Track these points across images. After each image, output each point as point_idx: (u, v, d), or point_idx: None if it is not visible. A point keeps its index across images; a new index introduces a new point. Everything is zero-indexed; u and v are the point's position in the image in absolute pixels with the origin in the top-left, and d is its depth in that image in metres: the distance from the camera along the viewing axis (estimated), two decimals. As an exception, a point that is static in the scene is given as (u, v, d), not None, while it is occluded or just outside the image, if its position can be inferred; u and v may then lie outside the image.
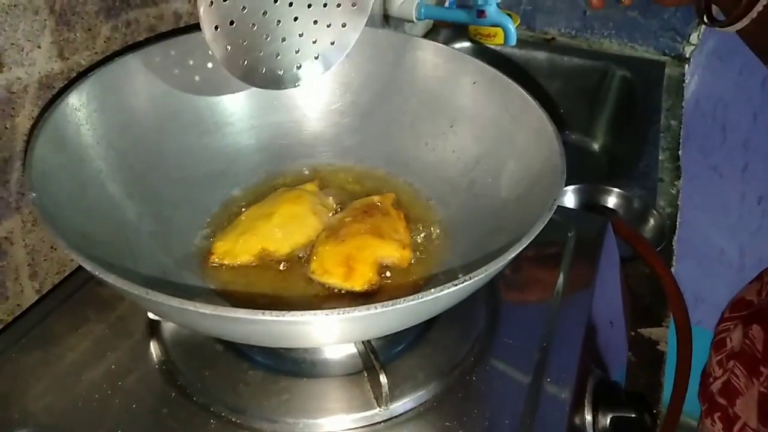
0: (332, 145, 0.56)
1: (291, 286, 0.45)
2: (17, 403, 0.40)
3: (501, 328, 0.47)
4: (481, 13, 0.87)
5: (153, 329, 0.45)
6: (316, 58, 0.49)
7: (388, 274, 0.46)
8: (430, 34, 1.15)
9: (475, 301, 0.48)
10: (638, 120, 1.01)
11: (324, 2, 0.47)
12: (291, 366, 0.43)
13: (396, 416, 0.40)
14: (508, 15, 0.89)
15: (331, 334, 0.34)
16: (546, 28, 1.21)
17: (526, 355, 0.45)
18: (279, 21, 0.45)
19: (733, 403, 0.69)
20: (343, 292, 0.45)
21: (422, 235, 0.50)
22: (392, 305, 0.30)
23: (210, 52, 0.43)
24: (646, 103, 1.03)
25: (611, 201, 0.79)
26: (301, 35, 0.47)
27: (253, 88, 0.50)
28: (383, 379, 0.39)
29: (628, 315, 0.65)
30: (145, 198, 0.46)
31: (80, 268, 0.50)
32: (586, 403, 0.45)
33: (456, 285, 0.32)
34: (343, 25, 0.48)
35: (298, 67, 0.48)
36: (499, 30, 1.00)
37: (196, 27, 0.50)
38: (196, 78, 0.51)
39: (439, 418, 0.40)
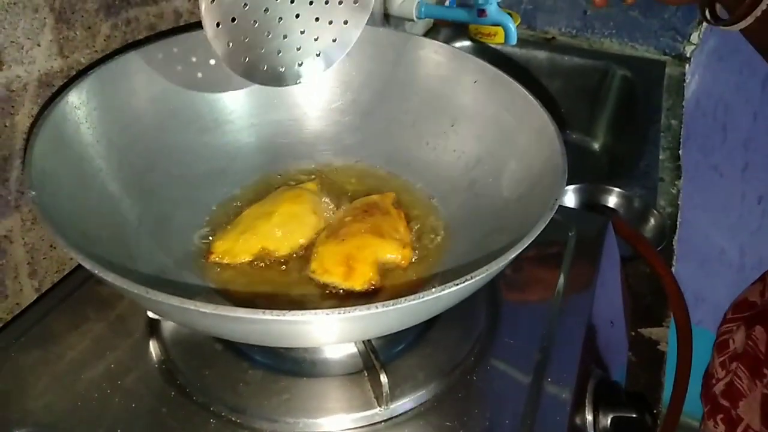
0: (333, 144, 0.56)
1: (291, 286, 0.45)
2: (16, 402, 0.40)
3: (501, 327, 0.47)
4: (481, 12, 0.87)
5: (152, 328, 0.44)
6: (318, 55, 0.49)
7: (388, 273, 0.46)
8: (430, 33, 1.15)
9: (476, 300, 0.48)
10: (639, 119, 1.01)
11: (325, -1, 0.47)
12: (291, 365, 0.43)
13: (396, 416, 0.40)
14: (509, 14, 0.89)
15: (331, 334, 0.34)
16: (546, 27, 1.21)
17: (527, 355, 0.45)
18: (280, 18, 0.45)
19: (736, 405, 0.69)
20: (343, 291, 0.44)
21: (423, 235, 0.49)
22: (393, 305, 0.30)
23: (212, 50, 0.43)
24: (647, 103, 1.03)
25: (612, 200, 0.79)
26: (302, 32, 0.47)
27: (254, 86, 0.50)
28: (384, 378, 0.38)
29: (628, 315, 0.65)
30: (144, 196, 0.46)
31: (79, 266, 0.50)
32: (586, 403, 0.45)
33: (457, 284, 0.31)
34: (345, 22, 0.48)
35: (300, 65, 0.48)
36: (499, 29, 1.00)
37: (196, 25, 0.50)
38: (199, 75, 0.51)
39: (439, 418, 0.40)
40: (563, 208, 0.60)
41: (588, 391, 0.46)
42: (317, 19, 0.47)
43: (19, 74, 0.44)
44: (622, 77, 1.10)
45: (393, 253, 0.46)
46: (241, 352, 0.43)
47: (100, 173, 0.44)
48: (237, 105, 0.54)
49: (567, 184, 0.45)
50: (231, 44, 0.43)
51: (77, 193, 0.41)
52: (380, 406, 0.40)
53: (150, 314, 0.44)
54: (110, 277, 0.31)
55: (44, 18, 0.44)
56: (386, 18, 0.92)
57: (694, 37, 1.11)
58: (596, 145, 1.13)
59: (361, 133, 0.56)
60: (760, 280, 0.74)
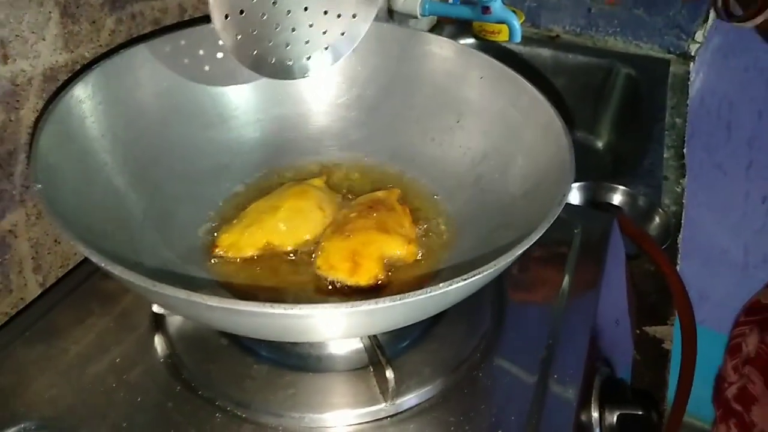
0: (338, 140, 0.56)
1: (296, 281, 0.45)
2: (21, 396, 0.40)
3: (507, 325, 0.47)
4: (486, 9, 0.87)
5: (157, 323, 0.44)
6: (326, 48, 0.49)
7: (393, 269, 0.46)
8: (434, 31, 1.14)
9: (482, 297, 0.47)
10: (643, 118, 1.00)
11: (334, -7, 0.47)
12: (296, 360, 0.43)
13: (402, 411, 0.40)
14: (513, 12, 0.89)
15: (338, 328, 0.34)
16: (551, 25, 1.20)
17: (533, 353, 0.45)
18: (289, 11, 0.45)
19: (749, 409, 0.68)
20: (348, 287, 0.44)
21: (428, 231, 0.49)
22: (401, 299, 0.30)
23: (220, 42, 0.42)
24: (651, 101, 1.02)
25: (616, 199, 0.78)
26: (311, 25, 0.47)
27: (259, 81, 0.49)
28: (389, 374, 0.38)
29: (633, 313, 0.64)
30: (149, 191, 0.46)
31: (84, 261, 0.51)
32: (592, 401, 0.45)
33: (465, 279, 0.31)
34: (354, 16, 0.48)
35: (308, 58, 0.48)
36: (503, 27, 0.99)
37: (201, 20, 0.50)
38: (206, 68, 0.51)
39: (445, 414, 0.40)
40: (568, 206, 0.60)
41: (594, 388, 0.45)
42: (326, 13, 0.47)
43: (24, 68, 0.43)
44: (626, 75, 1.10)
45: (398, 249, 0.46)
46: (246, 346, 0.43)
47: (105, 167, 0.44)
48: (242, 100, 0.54)
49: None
50: (239, 36, 0.43)
51: (82, 187, 0.41)
52: (386, 402, 0.40)
53: (155, 308, 0.44)
54: (117, 270, 0.30)
55: (49, 12, 0.44)
56: (390, 14, 0.92)
57: (699, 36, 1.11)
58: (600, 144, 1.13)
59: (366, 129, 0.56)
60: None
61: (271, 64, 0.47)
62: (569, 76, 1.14)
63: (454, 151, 0.53)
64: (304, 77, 0.49)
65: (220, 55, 0.51)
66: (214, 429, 0.38)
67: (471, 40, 1.10)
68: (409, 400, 0.40)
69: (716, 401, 0.72)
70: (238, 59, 0.44)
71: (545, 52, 1.15)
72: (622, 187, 0.78)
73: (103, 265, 0.31)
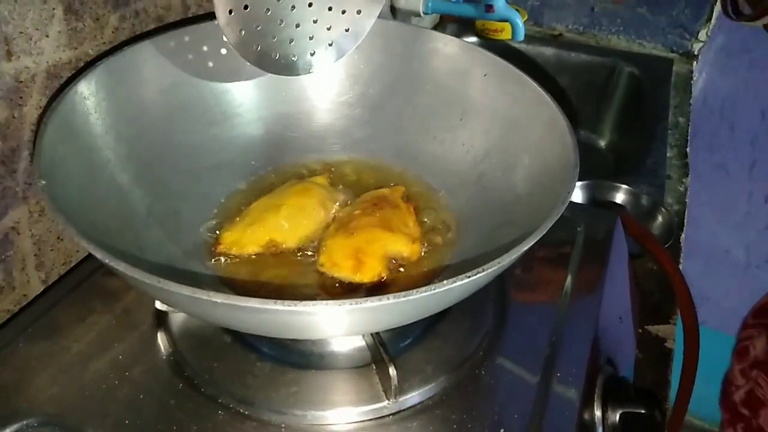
0: (342, 138, 0.56)
1: (298, 278, 0.45)
2: (24, 393, 0.40)
3: (510, 323, 0.47)
4: (489, 7, 0.86)
5: (160, 320, 0.44)
6: (330, 45, 0.48)
7: (397, 267, 0.46)
8: (436, 29, 1.13)
9: (484, 295, 0.47)
10: (646, 117, 1.00)
11: (339, -12, 0.47)
12: (299, 358, 0.43)
13: (404, 409, 0.40)
14: (516, 10, 0.88)
15: (342, 325, 0.34)
16: (553, 23, 1.20)
17: (536, 351, 0.45)
18: (293, 6, 0.45)
19: (756, 414, 0.68)
20: (351, 284, 0.44)
21: (431, 229, 0.49)
22: (405, 296, 0.30)
23: (223, 38, 0.42)
24: (654, 100, 1.02)
25: (619, 197, 0.78)
26: (315, 21, 0.47)
27: (262, 79, 0.49)
28: (392, 371, 0.38)
29: (636, 311, 0.64)
30: (153, 188, 0.46)
31: (86, 258, 0.51)
32: (595, 399, 0.45)
33: (469, 277, 0.31)
34: (358, 12, 0.48)
35: (312, 54, 0.48)
36: (506, 25, 0.99)
37: (205, 17, 0.50)
38: (210, 64, 0.51)
39: (447, 412, 0.40)
40: (571, 204, 0.59)
41: (597, 387, 0.45)
42: (330, 9, 0.47)
43: (27, 65, 0.43)
44: (629, 74, 1.09)
45: (402, 247, 0.46)
46: (249, 344, 0.43)
47: (108, 164, 0.44)
48: (245, 98, 0.54)
49: (573, 181, 0.45)
50: (243, 32, 0.43)
51: (86, 183, 0.41)
52: (388, 400, 0.40)
53: (158, 306, 0.44)
54: (121, 267, 0.30)
55: (53, 9, 0.44)
56: (393, 12, 0.92)
57: (702, 35, 1.10)
58: (603, 142, 1.12)
59: (370, 127, 0.56)
60: None
61: (274, 60, 0.47)
62: (572, 74, 1.13)
63: (457, 149, 0.53)
64: (307, 73, 0.49)
65: (223, 51, 0.51)
66: (216, 426, 0.38)
67: (473, 39, 1.09)
68: (412, 398, 0.40)
69: (723, 405, 0.71)
70: (242, 55, 0.44)
71: (548, 51, 1.14)
72: (624, 186, 0.78)
73: (107, 261, 0.31)
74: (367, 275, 0.44)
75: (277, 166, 0.54)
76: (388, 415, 0.40)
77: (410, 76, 0.55)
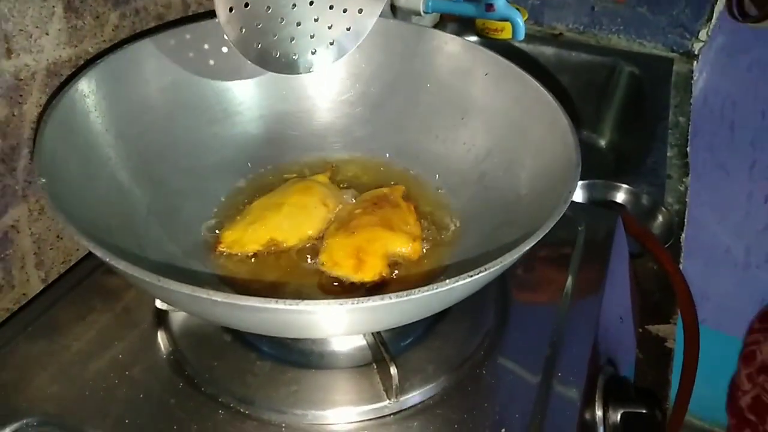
0: (342, 136, 0.56)
1: (299, 277, 0.45)
2: (23, 393, 0.40)
3: (511, 322, 0.47)
4: (489, 6, 0.86)
5: (160, 319, 0.44)
6: (331, 43, 0.48)
7: (397, 266, 0.46)
8: (436, 28, 1.14)
9: (485, 294, 0.47)
10: (646, 116, 1.00)
11: (340, -13, 0.46)
12: (299, 357, 0.42)
13: (405, 409, 0.40)
14: (517, 9, 0.88)
15: (344, 324, 0.34)
16: (554, 23, 1.20)
17: (537, 351, 0.44)
18: (294, 5, 0.45)
19: (763, 420, 0.68)
20: (352, 283, 0.44)
21: (432, 228, 0.49)
22: (407, 295, 0.30)
23: (224, 35, 0.42)
24: (654, 100, 1.02)
25: (619, 197, 0.78)
26: (316, 20, 0.46)
27: (263, 77, 0.49)
28: (393, 371, 0.38)
29: (637, 311, 0.64)
30: (153, 186, 0.46)
31: (86, 257, 0.50)
32: (596, 399, 0.45)
33: (471, 276, 0.31)
34: (360, 11, 0.47)
35: (313, 53, 0.48)
36: (506, 24, 0.99)
37: (205, 15, 0.50)
38: (210, 62, 0.51)
39: (448, 412, 0.40)
40: (572, 203, 0.60)
41: (598, 386, 0.45)
42: (331, 7, 0.47)
43: (27, 63, 0.43)
44: (629, 74, 1.09)
45: (403, 245, 0.46)
46: (249, 343, 0.43)
47: (109, 162, 0.44)
48: (246, 96, 0.53)
49: (574, 180, 0.44)
50: (244, 30, 0.43)
51: (86, 181, 0.40)
52: (389, 399, 0.39)
53: (158, 304, 0.44)
54: (122, 265, 0.30)
55: (53, 7, 0.44)
56: (393, 11, 0.91)
57: (703, 34, 1.10)
58: (603, 142, 1.12)
59: (371, 126, 0.56)
60: None
61: (275, 58, 0.46)
62: (572, 74, 1.13)
63: (458, 148, 0.53)
64: (308, 72, 0.49)
65: (224, 49, 0.50)
66: (216, 425, 0.38)
67: (474, 38, 1.09)
68: (413, 397, 0.40)
69: (730, 410, 0.71)
70: (242, 53, 0.44)
71: (548, 50, 1.14)
72: (625, 186, 0.78)
73: (107, 259, 0.31)
74: (368, 274, 0.44)
75: (277, 165, 0.54)
76: (389, 415, 0.40)
77: (411, 74, 0.55)
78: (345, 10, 0.47)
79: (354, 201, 0.50)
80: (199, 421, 0.38)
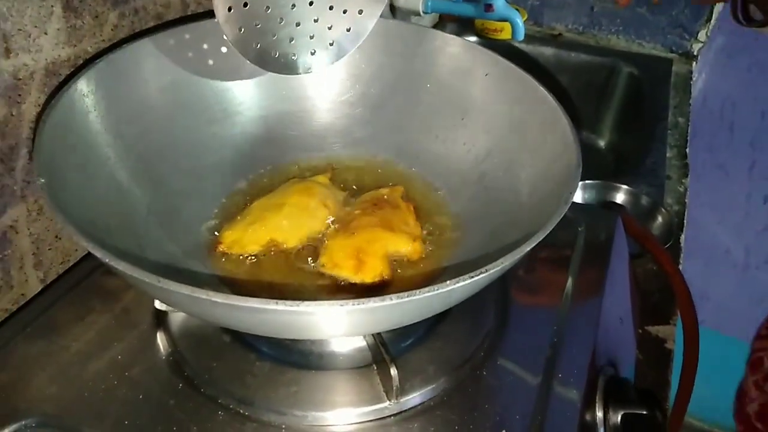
0: (342, 137, 0.56)
1: (299, 278, 0.45)
2: (22, 393, 0.39)
3: (511, 323, 0.46)
4: (488, 7, 0.86)
5: (159, 320, 0.44)
6: (331, 44, 0.48)
7: (398, 267, 0.45)
8: (436, 28, 1.14)
9: (485, 295, 0.47)
10: (645, 117, 1.00)
11: (340, -13, 0.46)
12: (299, 358, 0.42)
13: (405, 410, 0.40)
14: (516, 10, 0.88)
15: (344, 326, 0.33)
16: (553, 23, 1.20)
17: (537, 352, 0.44)
18: (294, 5, 0.45)
19: None
20: (352, 284, 0.44)
21: (432, 228, 0.49)
22: (408, 296, 0.30)
23: (223, 35, 0.42)
24: (654, 100, 1.02)
25: (619, 198, 0.78)
26: (316, 20, 0.46)
27: (263, 77, 0.49)
28: (394, 372, 0.38)
29: (636, 312, 0.64)
30: (153, 186, 0.46)
31: (85, 257, 0.50)
32: (597, 400, 0.45)
33: (472, 277, 0.31)
34: (360, 12, 0.47)
35: (312, 53, 0.48)
36: (506, 25, 0.99)
37: (204, 15, 0.49)
38: (209, 62, 0.51)
39: (448, 413, 0.40)
40: (572, 204, 0.60)
41: (598, 387, 0.45)
42: (331, 8, 0.46)
43: (26, 62, 0.43)
44: (628, 74, 1.09)
45: (403, 246, 0.45)
46: (248, 343, 0.43)
47: (108, 162, 0.43)
48: (246, 96, 0.53)
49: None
50: (242, 29, 0.43)
51: (85, 182, 0.40)
52: (389, 400, 0.39)
53: (157, 305, 0.44)
54: (121, 266, 0.30)
55: (52, 6, 0.44)
56: (393, 12, 0.91)
57: (702, 35, 1.10)
58: (602, 143, 1.12)
59: (371, 126, 0.56)
60: None
61: (274, 58, 0.46)
62: (571, 74, 1.13)
63: (458, 148, 0.53)
64: (307, 73, 0.49)
65: (224, 49, 0.50)
66: (216, 427, 0.38)
67: (473, 39, 1.09)
68: (413, 398, 0.40)
69: (737, 417, 0.70)
70: (241, 53, 0.44)
71: (547, 51, 1.14)
72: (624, 187, 0.78)
73: (107, 260, 0.31)
74: (368, 275, 0.43)
75: (277, 165, 0.54)
76: (389, 416, 0.39)
77: (411, 75, 0.55)
78: (345, 11, 0.47)
79: (354, 202, 0.50)
80: (198, 422, 0.38)
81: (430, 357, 0.43)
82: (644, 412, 0.44)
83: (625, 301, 0.60)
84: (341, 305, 0.29)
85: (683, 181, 0.86)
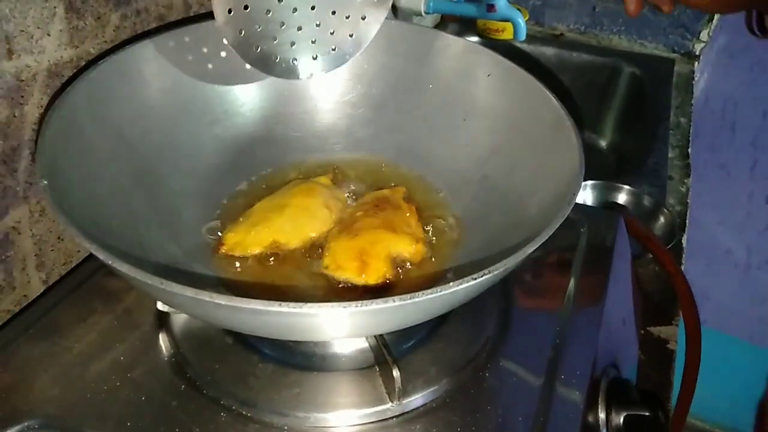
0: (344, 137, 0.56)
1: (302, 279, 0.45)
2: (24, 395, 0.39)
3: (514, 325, 0.46)
4: (490, 7, 0.86)
5: (161, 321, 0.44)
6: (333, 50, 0.48)
7: (400, 268, 0.45)
8: (437, 28, 1.14)
9: (488, 297, 0.47)
10: (647, 117, 1.00)
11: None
12: (301, 359, 0.42)
13: (408, 411, 0.40)
14: (518, 10, 0.88)
15: (347, 327, 0.33)
16: (555, 23, 1.20)
17: (540, 353, 0.44)
18: (295, 9, 0.44)
19: None
20: (355, 286, 0.44)
21: (435, 230, 0.49)
22: (410, 298, 0.30)
23: (222, 37, 0.42)
24: (655, 100, 1.02)
25: (621, 198, 0.78)
26: (318, 25, 0.46)
27: (264, 79, 0.49)
28: (396, 373, 0.38)
29: (638, 313, 0.64)
30: (155, 188, 0.46)
31: (87, 259, 0.50)
32: (599, 402, 0.44)
33: (475, 279, 0.31)
34: (363, 18, 0.47)
35: (314, 58, 0.48)
36: (508, 25, 0.99)
37: (206, 16, 0.49)
38: (209, 66, 0.51)
39: (451, 414, 0.40)
40: (575, 205, 0.60)
41: (601, 389, 0.45)
42: (334, 13, 0.46)
43: (28, 64, 0.43)
44: (630, 74, 1.09)
45: (406, 247, 0.45)
46: (251, 345, 0.43)
47: (110, 163, 0.43)
48: (248, 97, 0.53)
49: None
50: (243, 32, 0.43)
51: (87, 183, 0.40)
52: (392, 402, 0.39)
53: (159, 306, 0.44)
54: (124, 268, 0.30)
55: (54, 7, 0.44)
56: (394, 12, 0.91)
57: (704, 35, 1.10)
58: (604, 143, 1.12)
59: (373, 127, 0.55)
60: None
61: (275, 62, 0.46)
62: (573, 74, 1.13)
63: (460, 149, 0.52)
64: (308, 78, 0.48)
65: (223, 53, 0.50)
66: (218, 428, 0.38)
67: (475, 39, 1.09)
68: (415, 400, 0.40)
69: (758, 430, 0.70)
70: (242, 56, 0.44)
71: (549, 51, 1.14)
72: (626, 187, 0.78)
73: (109, 262, 0.31)
74: (372, 277, 0.43)
75: (279, 166, 0.54)
76: (392, 418, 0.39)
77: (413, 75, 0.55)
78: (348, 17, 0.47)
79: (355, 203, 0.50)
80: (200, 424, 0.38)
81: (432, 358, 0.42)
82: (647, 413, 0.44)
83: (628, 302, 0.60)
84: (345, 307, 0.29)
85: (685, 181, 0.86)
